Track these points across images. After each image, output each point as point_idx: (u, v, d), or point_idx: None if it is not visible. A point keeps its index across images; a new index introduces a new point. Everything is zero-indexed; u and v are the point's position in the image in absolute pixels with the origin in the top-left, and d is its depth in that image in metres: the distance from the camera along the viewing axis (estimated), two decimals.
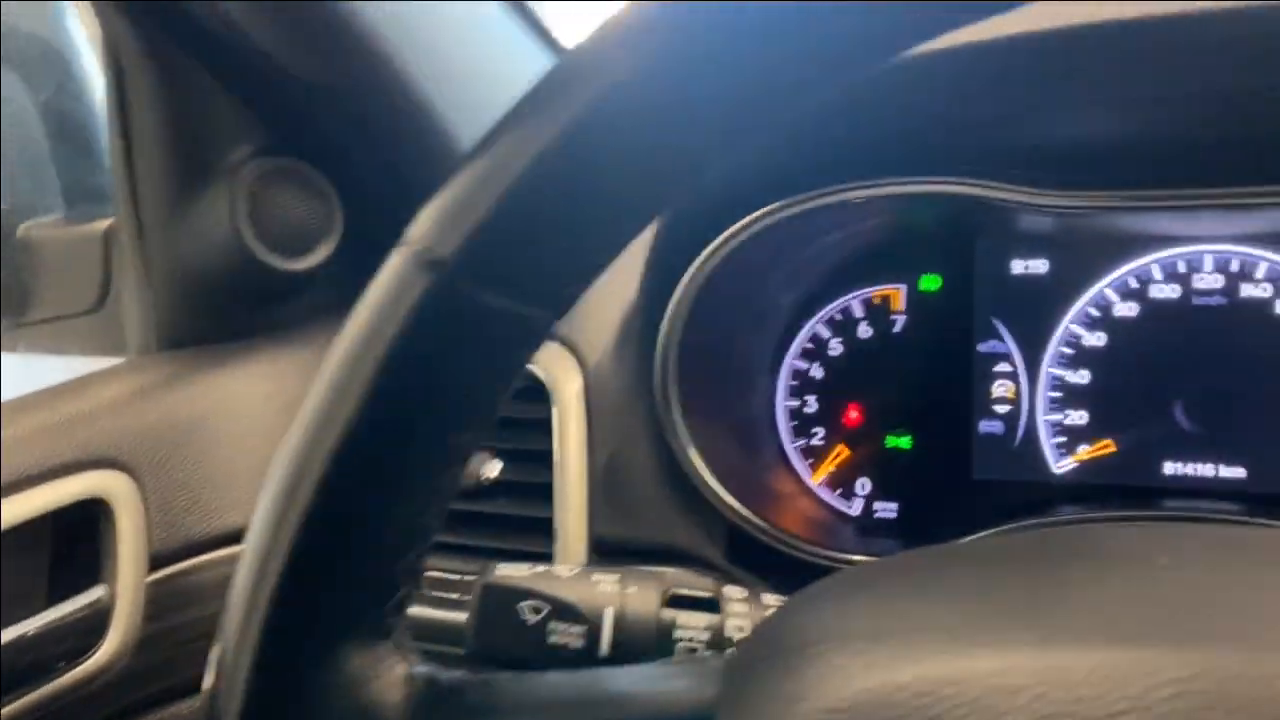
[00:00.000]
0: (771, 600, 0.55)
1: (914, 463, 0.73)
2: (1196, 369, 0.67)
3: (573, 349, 0.72)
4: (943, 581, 0.38)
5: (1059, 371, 0.70)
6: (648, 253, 0.71)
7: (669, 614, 0.53)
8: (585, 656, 0.52)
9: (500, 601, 0.52)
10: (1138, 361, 0.69)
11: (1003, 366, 0.71)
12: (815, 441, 0.75)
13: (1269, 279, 0.66)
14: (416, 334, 0.35)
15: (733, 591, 0.55)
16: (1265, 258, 0.66)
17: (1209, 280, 0.67)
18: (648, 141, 0.34)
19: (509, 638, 0.52)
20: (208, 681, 0.39)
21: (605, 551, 0.70)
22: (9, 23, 0.86)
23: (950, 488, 0.72)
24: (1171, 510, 0.65)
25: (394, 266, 0.36)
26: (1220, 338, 0.67)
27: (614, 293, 0.72)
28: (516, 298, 0.36)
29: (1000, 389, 0.71)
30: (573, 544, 0.70)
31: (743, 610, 0.54)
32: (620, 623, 0.52)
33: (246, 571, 0.37)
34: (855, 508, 0.74)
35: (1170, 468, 0.68)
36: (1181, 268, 0.68)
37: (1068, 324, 0.70)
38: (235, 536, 0.74)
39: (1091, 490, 0.69)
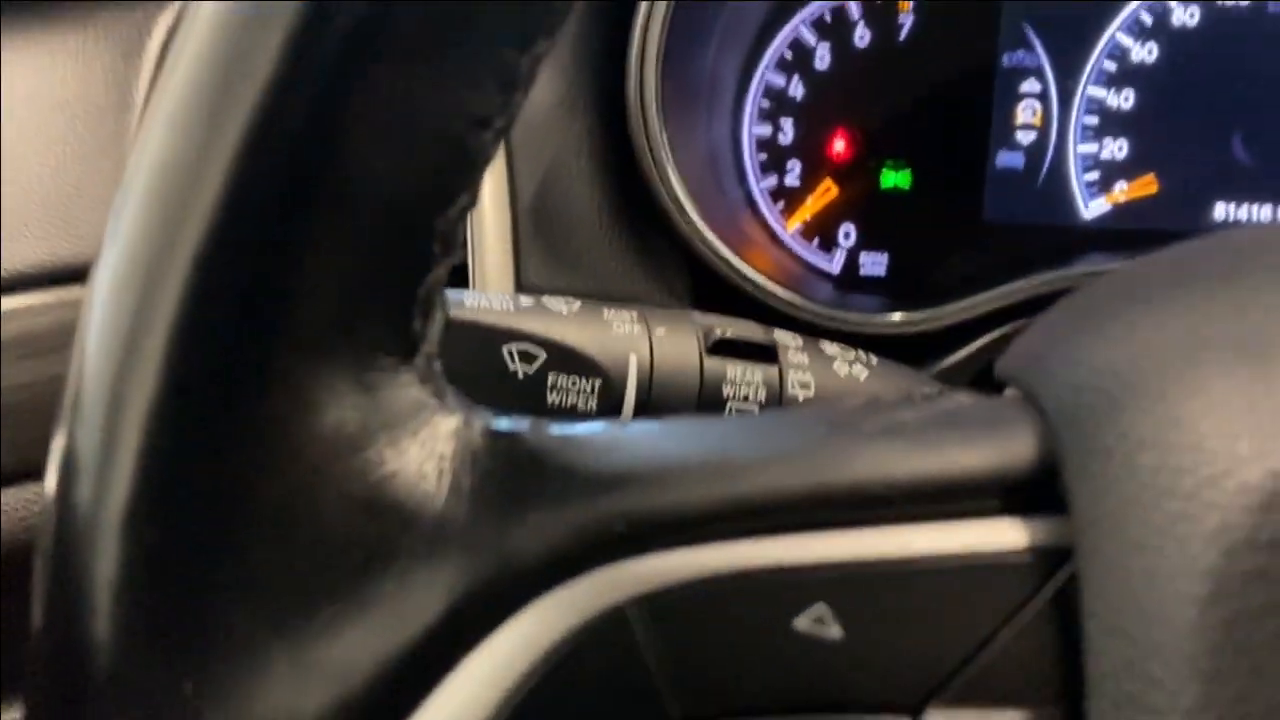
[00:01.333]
0: (833, 350, 0.40)
1: (912, 205, 0.59)
2: (1266, 93, 0.56)
3: None
4: None
5: (1098, 92, 0.57)
6: None
7: (715, 364, 0.37)
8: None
9: (474, 346, 0.35)
10: (1195, 81, 0.56)
11: (1030, 85, 0.57)
12: (790, 180, 0.60)
13: None
14: None
15: (785, 338, 0.39)
16: None
17: None
18: None
19: (486, 395, 0.35)
20: (50, 478, 0.20)
21: None
22: None
23: (954, 235, 0.59)
24: None
25: None
26: None
27: None
28: None
29: (1025, 113, 0.58)
30: None
31: (802, 361, 0.39)
32: (647, 375, 0.36)
33: (126, 244, 0.19)
34: (836, 263, 0.60)
35: (1221, 210, 0.57)
36: None
37: (1114, 32, 0.57)
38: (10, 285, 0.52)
39: (1125, 236, 0.58)
